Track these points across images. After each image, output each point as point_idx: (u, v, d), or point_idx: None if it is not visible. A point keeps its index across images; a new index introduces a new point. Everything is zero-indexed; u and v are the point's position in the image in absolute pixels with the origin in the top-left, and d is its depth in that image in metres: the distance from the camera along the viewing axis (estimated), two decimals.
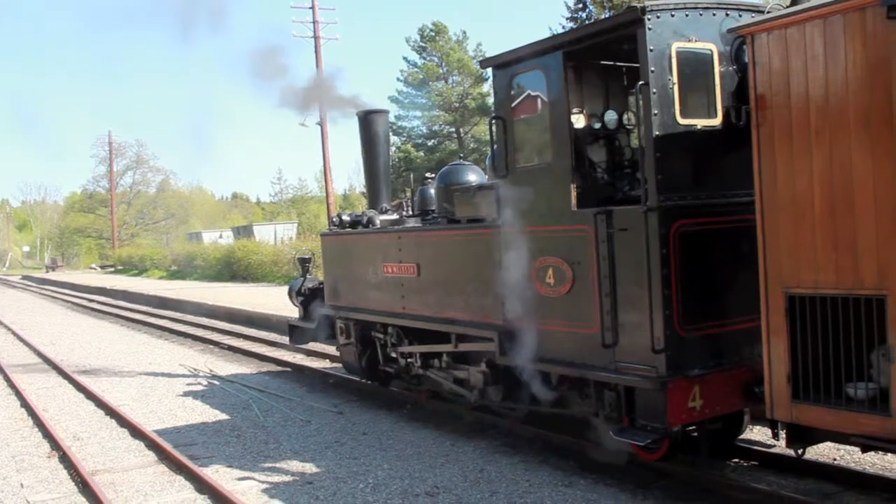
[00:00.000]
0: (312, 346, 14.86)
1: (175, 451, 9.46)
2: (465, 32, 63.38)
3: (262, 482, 8.50)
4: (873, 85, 5.16)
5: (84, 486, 8.64)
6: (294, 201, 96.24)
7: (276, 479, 8.61)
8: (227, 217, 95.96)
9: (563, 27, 39.39)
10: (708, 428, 7.56)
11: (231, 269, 40.58)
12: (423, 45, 60.12)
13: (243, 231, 59.61)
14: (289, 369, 15.14)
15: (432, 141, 59.59)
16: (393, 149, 60.77)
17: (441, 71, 59.08)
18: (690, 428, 7.62)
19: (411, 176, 17.57)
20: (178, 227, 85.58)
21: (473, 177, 10.31)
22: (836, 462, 7.79)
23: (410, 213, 11.67)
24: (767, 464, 7.85)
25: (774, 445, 7.93)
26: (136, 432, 10.79)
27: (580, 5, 40.39)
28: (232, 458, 9.41)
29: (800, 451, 6.40)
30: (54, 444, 10.39)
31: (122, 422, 11.49)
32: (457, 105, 57.11)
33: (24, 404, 13.15)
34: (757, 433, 8.72)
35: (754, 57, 5.88)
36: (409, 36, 61.14)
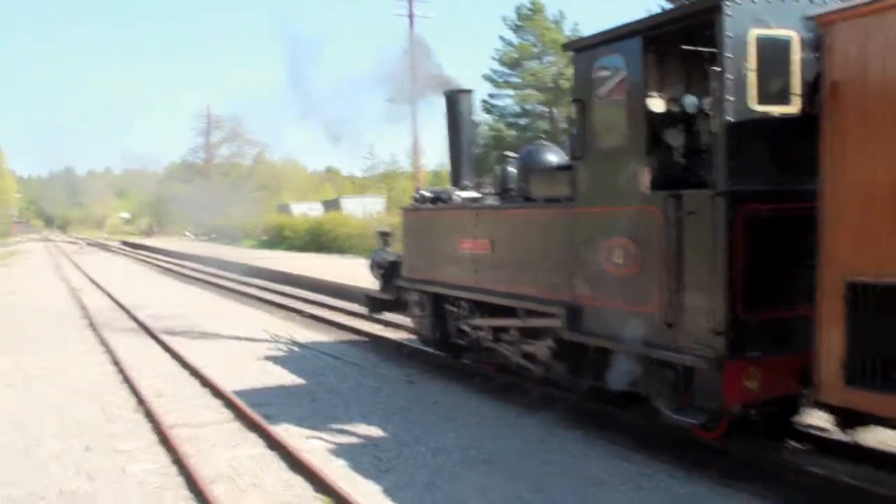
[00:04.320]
0: (390, 317, 15.19)
1: (249, 410, 9.87)
2: (561, 12, 62.94)
3: (329, 442, 8.84)
4: None
5: (163, 438, 9.10)
6: (385, 176, 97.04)
7: (343, 440, 8.95)
8: (319, 190, 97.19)
9: (662, 7, 38.91)
10: (765, 410, 7.60)
11: (319, 241, 41.37)
12: (520, 24, 59.95)
13: (332, 204, 60.58)
14: (366, 339, 15.51)
15: (524, 120, 59.44)
16: (485, 127, 60.99)
17: (536, 50, 58.84)
18: (751, 411, 7.66)
19: (493, 155, 17.68)
20: (271, 198, 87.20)
21: (553, 157, 10.42)
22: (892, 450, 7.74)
23: (491, 191, 11.86)
24: (824, 448, 7.87)
25: (828, 430, 7.91)
26: (216, 392, 11.27)
27: None
28: (303, 419, 9.77)
29: (854, 436, 6.43)
30: (140, 400, 10.93)
31: (204, 382, 11.98)
32: (551, 85, 56.83)
33: (115, 362, 13.80)
34: (813, 417, 8.68)
35: (830, 44, 5.88)
36: (505, 15, 61.10)
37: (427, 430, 9.19)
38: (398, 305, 13.27)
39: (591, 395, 9.36)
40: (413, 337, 13.87)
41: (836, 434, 7.43)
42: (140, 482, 7.82)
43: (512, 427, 9.25)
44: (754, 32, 6.84)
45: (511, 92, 60.71)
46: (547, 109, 57.86)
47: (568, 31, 58.05)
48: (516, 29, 60.01)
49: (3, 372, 13.30)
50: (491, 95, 59.46)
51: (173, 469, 8.17)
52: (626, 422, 8.80)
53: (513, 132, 57.01)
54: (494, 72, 60.52)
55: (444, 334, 11.79)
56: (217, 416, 10.16)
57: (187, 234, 77.32)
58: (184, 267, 37.70)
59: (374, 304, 13.85)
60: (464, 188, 12.25)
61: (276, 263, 32.61)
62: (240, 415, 10.00)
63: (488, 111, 59.98)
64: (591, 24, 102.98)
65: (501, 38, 60.84)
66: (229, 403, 10.57)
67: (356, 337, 15.89)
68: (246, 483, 7.68)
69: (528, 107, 58.82)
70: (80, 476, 8.06)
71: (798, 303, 6.83)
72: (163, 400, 10.99)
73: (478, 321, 10.70)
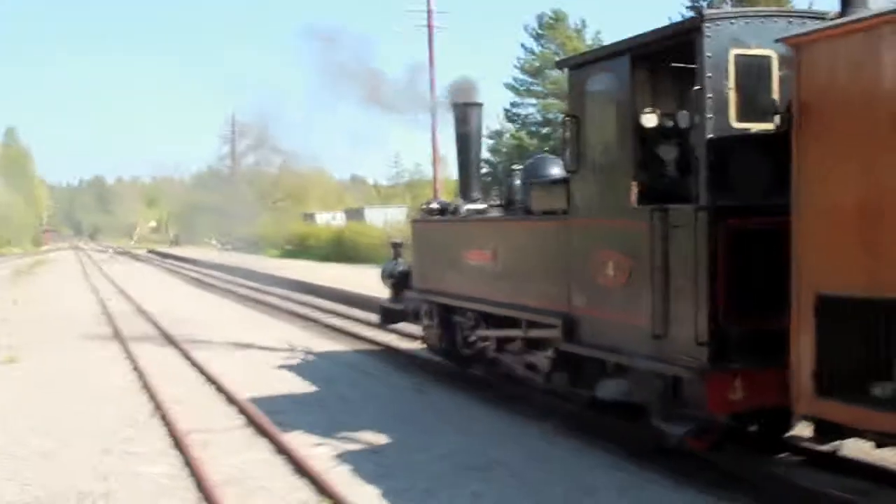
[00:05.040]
0: (406, 327, 15.50)
1: (261, 417, 10.23)
2: (584, 21, 63.17)
3: (336, 448, 9.16)
4: None
5: (178, 442, 9.46)
6: (410, 185, 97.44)
7: (349, 446, 9.26)
8: (344, 199, 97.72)
9: (683, 16, 39.10)
10: (757, 422, 7.83)
11: (341, 250, 41.83)
12: (542, 32, 60.21)
13: (355, 214, 61.09)
14: (380, 348, 15.83)
15: (546, 129, 59.68)
16: (507, 136, 61.22)
17: (558, 59, 58.98)
18: (749, 423, 7.87)
19: (498, 167, 17.90)
20: (296, 206, 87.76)
21: (556, 170, 10.66)
22: (881, 463, 7.91)
23: (499, 202, 12.14)
24: (815, 461, 8.04)
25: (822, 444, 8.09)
26: (231, 399, 11.63)
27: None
28: (312, 426, 10.09)
29: (833, 447, 6.64)
30: (157, 405, 11.33)
31: (220, 389, 12.36)
32: None
33: (136, 368, 14.22)
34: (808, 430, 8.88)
35: (800, 65, 6.14)
36: (527, 23, 61.47)
37: (430, 438, 9.48)
38: (410, 316, 13.57)
39: (591, 405, 9.60)
40: (425, 347, 14.18)
41: (836, 447, 7.55)
42: (152, 483, 8.18)
43: (513, 435, 9.52)
44: (733, 52, 7.11)
45: (534, 101, 61.00)
46: None
47: (589, 40, 58.27)
48: (538, 37, 60.32)
49: (29, 375, 13.79)
50: (513, 104, 59.81)
51: (184, 472, 8.53)
52: (623, 431, 9.02)
53: (535, 141, 57.28)
54: (516, 80, 60.89)
55: (453, 344, 12.08)
56: (231, 423, 10.51)
57: (213, 243, 78.13)
58: (208, 276, 38.24)
59: (387, 315, 14.18)
60: (472, 200, 12.55)
61: (297, 273, 33.04)
62: (251, 421, 10.35)
63: (511, 120, 60.28)
64: (614, 31, 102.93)
65: (523, 46, 61.19)
66: (243, 410, 10.93)
67: (371, 346, 16.20)
68: (253, 486, 8.01)
69: (550, 115, 59.02)
70: (97, 477, 8.44)
71: (782, 316, 7.06)
72: (179, 406, 11.35)
73: (483, 332, 10.99)
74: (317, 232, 50.60)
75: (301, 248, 50.66)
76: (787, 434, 8.32)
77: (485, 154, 57.10)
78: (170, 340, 17.60)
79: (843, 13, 6.46)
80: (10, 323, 21.59)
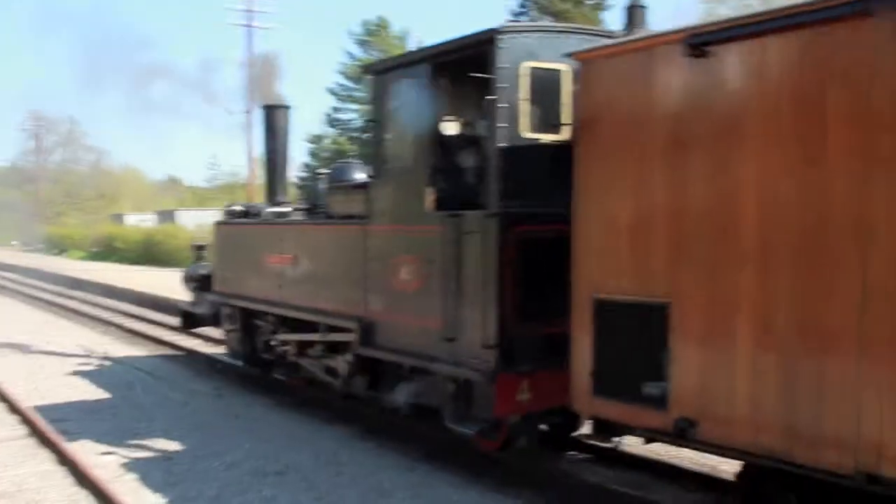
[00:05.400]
0: (210, 332, 15.13)
1: (45, 426, 9.70)
2: (406, 29, 63.70)
3: (125, 457, 8.81)
4: (679, 114, 5.67)
5: None
6: (226, 188, 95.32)
7: (139, 454, 8.93)
8: (159, 200, 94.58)
9: (512, 18, 40.08)
10: (548, 422, 8.10)
11: (151, 253, 40.44)
12: (366, 38, 60.26)
13: (167, 216, 59.21)
14: (182, 353, 15.38)
15: (367, 134, 59.63)
16: (328, 140, 60.89)
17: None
18: (539, 423, 8.12)
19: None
20: (109, 207, 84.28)
21: (359, 175, 10.69)
22: (661, 458, 8.35)
23: (303, 206, 12.03)
24: (603, 458, 8.39)
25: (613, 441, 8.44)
26: (13, 408, 10.98)
27: (522, 9, 41.17)
28: (102, 434, 9.68)
29: (614, 444, 6.95)
30: None
31: (2, 397, 11.65)
32: None
33: None
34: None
35: (582, 81, 6.39)
36: (352, 30, 61.31)
37: (224, 444, 9.27)
38: (210, 319, 13.25)
39: (390, 409, 9.65)
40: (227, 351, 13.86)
41: (631, 444, 7.80)
42: None
43: (310, 440, 9.45)
44: (527, 65, 7.33)
45: (355, 106, 60.95)
46: None
47: (413, 47, 58.82)
48: (362, 44, 60.33)
49: None
50: (335, 109, 59.55)
51: None
52: (418, 434, 9.13)
53: (355, 146, 57.22)
54: (339, 85, 60.66)
55: (254, 349, 11.88)
56: (11, 433, 9.92)
57: (13, 243, 73.83)
58: (3, 278, 36.09)
59: (187, 319, 13.79)
60: (276, 203, 12.39)
61: (102, 276, 31.62)
62: (35, 431, 9.81)
63: (332, 125, 60.02)
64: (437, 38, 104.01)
65: (348, 52, 61.09)
66: (25, 419, 10.34)
67: (172, 351, 15.72)
68: (26, 499, 7.59)
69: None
70: None
71: (566, 320, 7.33)
72: None
73: (283, 335, 10.86)
74: (125, 233, 48.66)
75: (109, 251, 48.60)
76: (575, 433, 8.66)
77: (305, 158, 56.73)
78: None
79: (626, 32, 6.78)
80: None
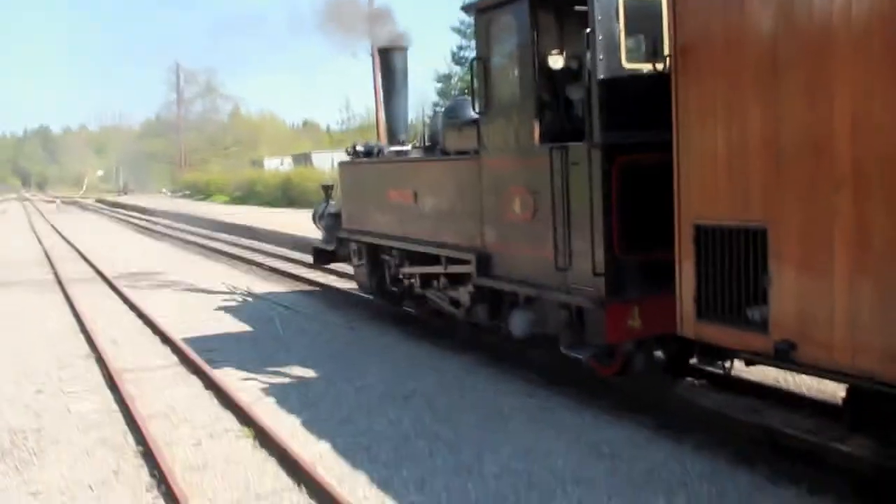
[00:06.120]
0: (344, 268, 15.83)
1: (194, 355, 10.57)
2: None
3: (263, 382, 9.55)
4: (774, 36, 5.71)
5: (111, 381, 9.78)
6: (360, 129, 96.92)
7: (277, 380, 9.65)
8: (296, 144, 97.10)
9: None
10: (665, 350, 8.32)
11: (288, 196, 41.88)
12: None
13: (302, 158, 60.91)
14: (318, 289, 16.19)
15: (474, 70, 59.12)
16: (455, 79, 60.97)
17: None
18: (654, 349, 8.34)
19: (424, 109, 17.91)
20: (248, 153, 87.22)
21: (472, 111, 10.97)
22: (778, 384, 8.47)
23: (422, 144, 12.42)
24: (715, 383, 8.55)
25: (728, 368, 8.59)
26: (166, 339, 11.95)
27: None
28: (243, 363, 10.47)
29: (726, 369, 7.16)
30: (93, 347, 11.61)
31: (156, 330, 12.65)
32: None
33: (75, 313, 14.45)
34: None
35: (679, 7, 6.46)
36: None
37: (356, 372, 9.88)
38: (340, 256, 13.89)
39: (510, 337, 10.05)
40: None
41: (741, 371, 7.95)
42: (82, 419, 8.51)
43: (435, 368, 9.96)
44: None
45: None
46: None
47: None
48: None
49: None
50: (460, 48, 59.48)
51: (115, 408, 8.87)
52: (537, 360, 9.50)
53: None
54: (462, 23, 60.47)
55: (382, 282, 12.44)
56: (164, 362, 10.86)
57: (164, 191, 77.57)
58: (156, 224, 38.19)
59: (320, 256, 14.48)
60: (398, 142, 12.82)
61: (243, 219, 33.15)
62: (184, 359, 10.70)
63: (458, 63, 60.04)
64: None
65: None
66: (177, 350, 11.26)
67: (309, 287, 16.56)
68: (179, 419, 8.38)
69: None
70: (30, 415, 8.75)
71: (672, 247, 7.50)
72: (116, 347, 11.66)
73: (408, 269, 11.36)
74: (264, 178, 50.51)
75: (249, 194, 50.58)
76: (691, 360, 8.84)
77: (434, 97, 56.98)
78: (109, 285, 17.85)
79: None
80: None
